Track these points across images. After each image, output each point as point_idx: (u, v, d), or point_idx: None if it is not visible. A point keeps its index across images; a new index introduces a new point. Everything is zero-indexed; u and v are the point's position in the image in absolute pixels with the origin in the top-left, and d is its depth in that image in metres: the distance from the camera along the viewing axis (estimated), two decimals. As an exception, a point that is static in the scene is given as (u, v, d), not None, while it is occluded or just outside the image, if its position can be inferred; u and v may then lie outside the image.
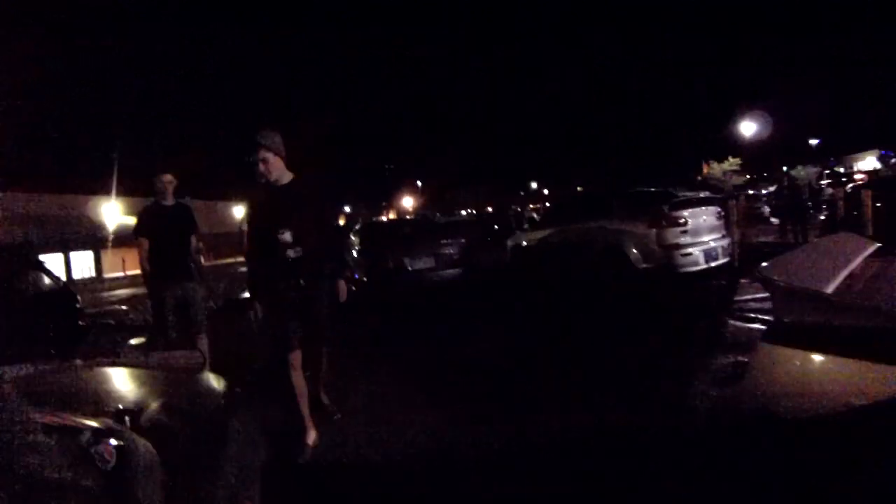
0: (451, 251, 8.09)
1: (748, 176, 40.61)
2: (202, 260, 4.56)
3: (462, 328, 5.85)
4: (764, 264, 1.73)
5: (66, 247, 26.49)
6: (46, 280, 5.77)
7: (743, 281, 6.70)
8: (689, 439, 2.11)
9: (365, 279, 8.58)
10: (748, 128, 28.99)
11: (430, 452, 2.71)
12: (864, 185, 10.29)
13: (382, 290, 8.28)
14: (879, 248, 2.35)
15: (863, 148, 48.52)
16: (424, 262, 7.90)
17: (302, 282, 2.86)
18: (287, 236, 2.85)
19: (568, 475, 2.35)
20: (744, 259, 7.93)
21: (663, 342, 4.50)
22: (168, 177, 4.14)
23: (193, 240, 4.26)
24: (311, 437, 2.90)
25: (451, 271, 7.90)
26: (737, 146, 33.55)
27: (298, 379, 2.92)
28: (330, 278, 3.05)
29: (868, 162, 44.17)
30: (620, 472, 2.30)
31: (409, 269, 7.59)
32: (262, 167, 2.88)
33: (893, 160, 38.11)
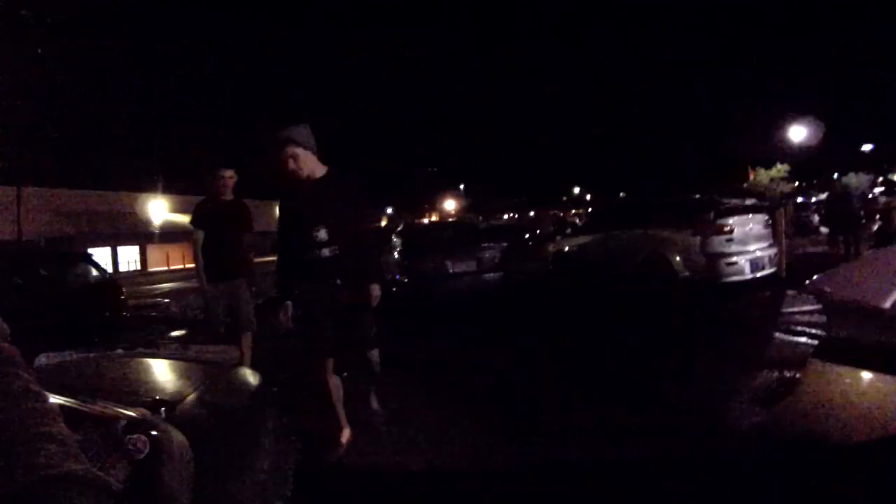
0: (493, 255, 8.06)
1: (797, 183, 38.91)
2: (253, 258, 4.51)
3: (502, 333, 5.79)
4: (816, 277, 1.64)
5: (113, 241, 27.73)
6: (94, 272, 6.04)
7: (790, 293, 6.40)
8: (732, 459, 2.02)
9: (406, 280, 8.65)
10: (798, 133, 27.75)
11: (466, 460, 2.66)
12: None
13: (422, 292, 8.32)
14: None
15: (919, 154, 45.71)
16: (466, 265, 7.87)
17: (338, 281, 2.73)
18: (322, 234, 2.71)
19: (594, 494, 2.28)
20: (791, 270, 7.59)
21: (706, 355, 4.32)
22: (229, 172, 4.08)
23: (247, 237, 4.21)
24: (345, 435, 2.83)
25: (492, 275, 7.84)
26: (785, 152, 32.18)
27: (332, 380, 2.82)
28: (363, 279, 2.82)
29: (926, 168, 41.65)
30: (661, 490, 2.22)
31: (451, 271, 7.57)
32: (291, 164, 2.72)
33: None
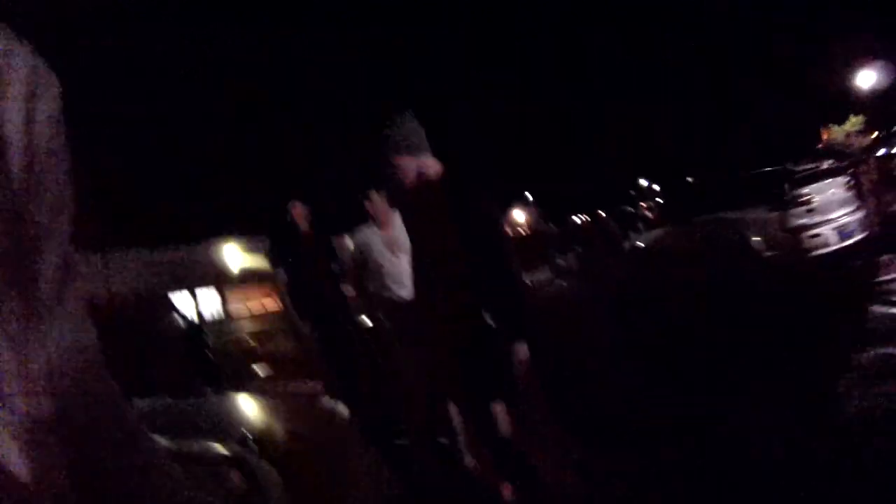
0: (572, 260, 7.85)
1: (877, 133, 35.55)
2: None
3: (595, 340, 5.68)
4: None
5: (194, 287, 29.55)
6: (178, 320, 6.47)
7: (885, 258, 5.83)
8: (838, 444, 1.87)
9: None
10: (867, 77, 25.38)
11: None
12: None
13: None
14: None
15: None
16: (541, 275, 7.68)
17: None
18: None
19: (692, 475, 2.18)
20: (885, 232, 6.92)
21: (801, 338, 3.98)
22: (298, 209, 3.92)
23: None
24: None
25: (571, 281, 7.61)
26: (857, 102, 29.52)
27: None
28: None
29: None
30: (762, 476, 2.09)
31: (530, 282, 7.42)
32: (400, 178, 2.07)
33: None
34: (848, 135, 33.29)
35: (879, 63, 25.60)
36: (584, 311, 7.38)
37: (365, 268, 3.28)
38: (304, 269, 3.92)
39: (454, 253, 2.05)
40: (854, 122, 33.67)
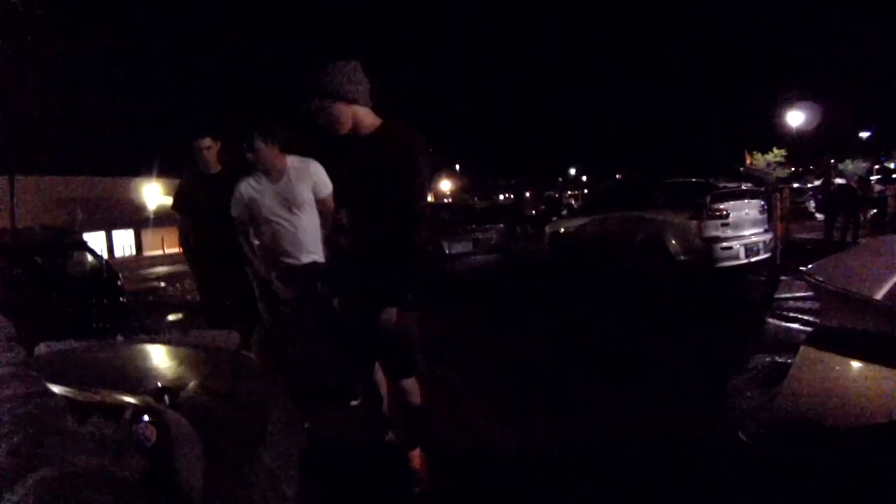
0: (490, 236, 7.99)
1: (793, 168, 38.86)
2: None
3: (497, 314, 5.86)
4: (811, 265, 1.66)
5: (108, 227, 27.55)
6: (89, 259, 6.02)
7: (784, 279, 6.47)
8: (724, 440, 2.07)
9: None
10: (795, 118, 27.59)
11: (459, 444, 2.70)
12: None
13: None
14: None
15: (918, 142, 45.65)
16: (463, 247, 7.81)
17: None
18: (343, 217, 2.13)
19: (596, 473, 2.33)
20: (786, 256, 7.65)
21: (700, 337, 4.41)
22: (205, 141, 3.33)
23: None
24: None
25: (488, 256, 7.81)
26: (782, 137, 32.07)
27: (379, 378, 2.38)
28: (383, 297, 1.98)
29: (923, 157, 41.64)
30: (647, 470, 2.28)
31: (447, 252, 7.51)
32: (321, 120, 2.05)
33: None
34: (768, 164, 36.14)
35: (806, 105, 27.82)
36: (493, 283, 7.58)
37: (254, 223, 2.92)
38: (203, 213, 3.32)
39: (370, 211, 2.02)
40: (776, 153, 36.64)
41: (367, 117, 2.06)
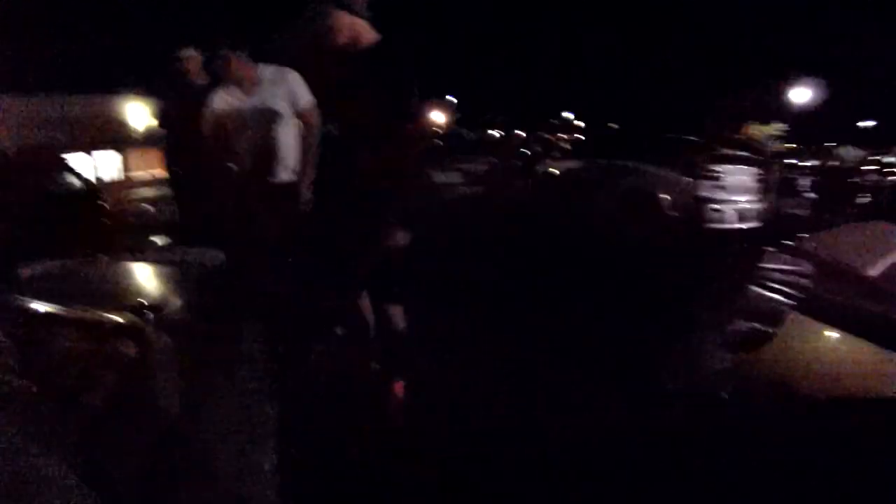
0: (479, 168, 7.79)
1: (792, 145, 38.69)
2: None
3: (482, 251, 5.86)
4: (807, 235, 1.66)
5: (92, 147, 26.82)
6: (72, 180, 5.86)
7: (770, 250, 6.55)
8: (699, 403, 2.12)
9: None
10: (801, 94, 27.20)
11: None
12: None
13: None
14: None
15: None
16: (449, 176, 7.65)
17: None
18: (332, 129, 2.06)
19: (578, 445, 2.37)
20: (775, 228, 7.73)
21: (682, 297, 4.43)
22: (187, 51, 3.15)
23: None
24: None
25: (477, 188, 7.64)
26: (786, 112, 31.73)
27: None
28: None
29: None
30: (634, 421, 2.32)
31: (434, 181, 7.36)
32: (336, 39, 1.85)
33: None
34: (769, 136, 35.84)
35: (812, 83, 27.35)
36: (477, 220, 7.51)
37: (228, 140, 2.71)
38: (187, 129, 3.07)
39: (358, 132, 1.90)
40: (776, 127, 36.22)
41: (364, 31, 1.85)
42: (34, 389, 0.64)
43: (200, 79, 3.19)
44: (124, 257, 2.07)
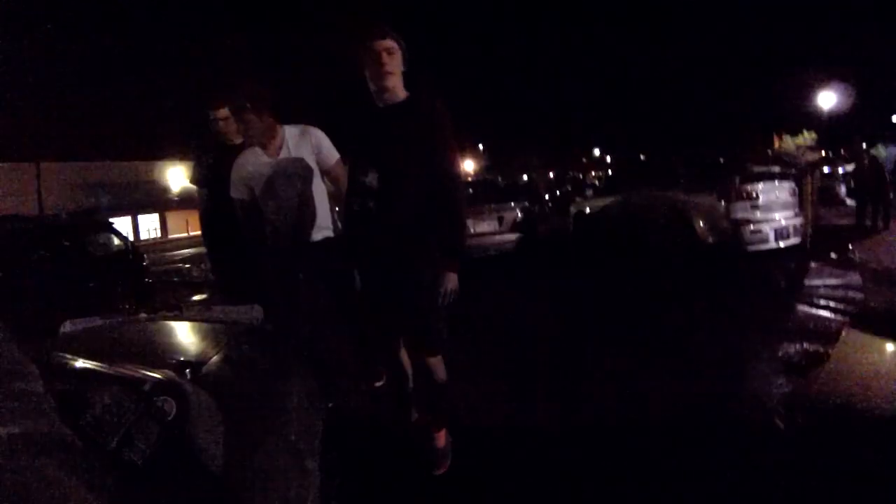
0: (514, 215, 7.79)
1: (824, 153, 37.64)
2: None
3: (518, 296, 5.81)
4: (854, 245, 1.58)
5: (134, 210, 28.18)
6: (115, 241, 6.13)
7: (814, 265, 6.25)
8: (764, 426, 1.99)
9: None
10: (827, 99, 26.63)
11: (470, 425, 2.66)
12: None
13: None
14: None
15: (955, 127, 43.99)
16: (487, 225, 7.66)
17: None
18: (372, 179, 2.01)
19: (623, 457, 2.28)
20: (816, 241, 7.39)
21: (728, 324, 4.28)
22: (221, 111, 3.13)
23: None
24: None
25: (513, 235, 7.64)
26: (813, 120, 31.04)
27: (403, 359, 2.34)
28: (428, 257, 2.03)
29: (961, 141, 40.11)
30: (690, 454, 2.22)
31: (472, 231, 7.35)
32: (385, 62, 1.98)
33: None
34: (798, 147, 35.14)
35: (838, 88, 26.83)
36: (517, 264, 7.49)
37: (260, 201, 2.67)
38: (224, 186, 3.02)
39: (402, 173, 1.99)
40: (806, 136, 35.54)
41: (400, 86, 2.04)
42: (78, 444, 0.65)
43: (236, 137, 3.19)
44: (164, 315, 2.12)
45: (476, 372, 3.38)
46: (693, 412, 2.62)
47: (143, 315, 2.13)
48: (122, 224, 24.97)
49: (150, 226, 29.97)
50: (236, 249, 3.15)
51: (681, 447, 2.26)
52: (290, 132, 2.65)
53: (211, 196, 3.26)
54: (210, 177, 3.24)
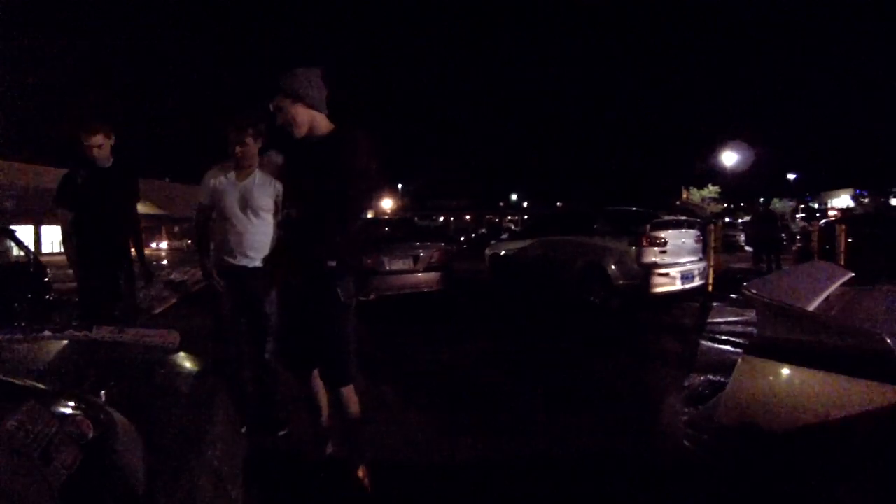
0: (430, 254, 7.92)
1: (726, 205, 41.64)
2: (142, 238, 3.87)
3: (436, 333, 5.85)
4: (749, 282, 1.79)
5: (37, 218, 25.75)
6: (16, 251, 5.59)
7: (716, 304, 6.85)
8: (667, 451, 2.15)
9: None
10: (729, 157, 29.62)
11: (403, 458, 2.67)
12: (838, 221, 10.64)
13: (357, 287, 8.11)
14: (852, 277, 2.46)
15: (838, 186, 50.43)
16: (402, 263, 7.73)
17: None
18: (294, 213, 2.17)
19: (542, 495, 2.36)
20: (717, 283, 8.12)
21: (636, 360, 4.61)
22: (97, 138, 3.28)
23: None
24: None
25: (428, 274, 7.77)
26: (717, 175, 34.39)
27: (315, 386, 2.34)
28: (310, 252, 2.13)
29: (842, 199, 45.90)
30: (591, 491, 2.34)
31: (386, 268, 7.42)
32: (279, 119, 2.13)
33: (866, 199, 39.70)
34: (703, 199, 38.56)
35: (740, 146, 29.93)
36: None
37: (215, 214, 2.92)
38: (90, 207, 3.31)
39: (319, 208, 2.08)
40: (711, 189, 39.16)
41: (322, 122, 2.16)
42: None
43: (107, 161, 3.39)
44: (72, 333, 1.97)
45: (401, 408, 3.39)
46: (610, 440, 2.79)
47: (46, 333, 1.97)
48: (24, 233, 22.73)
49: (53, 238, 27.46)
50: (101, 271, 3.38)
51: (603, 475, 2.40)
52: (259, 171, 2.90)
53: (76, 216, 3.35)
54: (79, 198, 3.33)
